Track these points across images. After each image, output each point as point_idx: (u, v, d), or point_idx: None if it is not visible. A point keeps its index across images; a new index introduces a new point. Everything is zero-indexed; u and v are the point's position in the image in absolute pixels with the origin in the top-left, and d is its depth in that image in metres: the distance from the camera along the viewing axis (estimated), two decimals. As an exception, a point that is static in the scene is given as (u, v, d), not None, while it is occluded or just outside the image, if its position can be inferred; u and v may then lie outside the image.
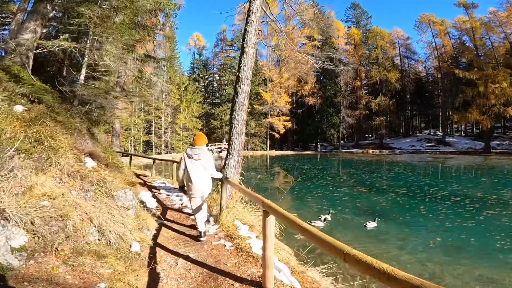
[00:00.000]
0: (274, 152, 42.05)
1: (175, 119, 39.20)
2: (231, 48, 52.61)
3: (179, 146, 37.94)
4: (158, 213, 5.48)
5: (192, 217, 5.24)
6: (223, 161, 6.14)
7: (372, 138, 54.33)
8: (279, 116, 43.43)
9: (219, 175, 4.46)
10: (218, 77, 55.75)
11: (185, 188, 4.15)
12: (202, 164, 3.98)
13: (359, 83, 46.77)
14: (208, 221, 4.82)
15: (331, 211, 7.72)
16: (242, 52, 6.20)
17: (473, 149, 38.98)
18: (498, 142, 39.17)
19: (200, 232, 4.11)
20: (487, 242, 5.48)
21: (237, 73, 6.21)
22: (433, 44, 47.80)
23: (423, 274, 4.33)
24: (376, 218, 7.06)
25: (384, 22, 73.50)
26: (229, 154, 5.87)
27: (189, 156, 3.97)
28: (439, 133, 49.31)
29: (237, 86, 6.12)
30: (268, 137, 44.02)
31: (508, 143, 39.16)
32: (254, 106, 42.49)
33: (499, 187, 12.34)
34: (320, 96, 44.88)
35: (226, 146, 6.92)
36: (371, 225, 6.86)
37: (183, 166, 4.02)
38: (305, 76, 39.49)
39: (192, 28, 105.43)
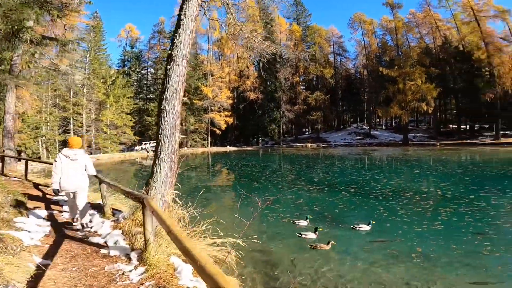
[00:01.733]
0: (215, 149, 40.35)
1: (100, 116, 34.22)
2: (168, 40, 48.64)
3: (106, 146, 33.27)
4: (46, 247, 3.63)
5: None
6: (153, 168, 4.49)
7: (309, 132, 56.86)
8: (220, 111, 41.80)
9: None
10: (153, 71, 51.46)
11: (60, 188, 4.31)
12: (80, 164, 4.34)
13: (298, 78, 48.16)
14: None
15: (308, 217, 6.94)
16: (178, 26, 4.63)
17: (394, 141, 43.71)
18: (413, 135, 44.72)
19: (82, 224, 4.55)
20: (470, 249, 5.06)
21: (170, 51, 4.62)
22: (362, 42, 51.99)
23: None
24: (370, 221, 6.43)
25: (322, 19, 77.31)
26: (158, 158, 4.27)
27: (66, 156, 4.29)
28: (365, 127, 54.25)
29: (168, 67, 4.52)
30: (209, 133, 42.07)
31: (421, 135, 45.05)
32: (194, 101, 40.00)
33: (437, 180, 13.17)
34: (261, 91, 44.80)
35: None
36: (364, 228, 6.28)
37: (59, 165, 4.26)
38: (256, 54, 38.72)
39: (126, 19, 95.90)
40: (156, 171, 4.27)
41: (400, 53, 44.37)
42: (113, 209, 5.72)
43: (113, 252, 3.61)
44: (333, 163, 21.65)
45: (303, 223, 6.80)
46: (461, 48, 41.42)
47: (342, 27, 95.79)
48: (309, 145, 43.48)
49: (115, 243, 3.84)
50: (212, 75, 43.74)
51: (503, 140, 35.34)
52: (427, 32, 46.83)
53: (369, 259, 4.86)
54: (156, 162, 4.29)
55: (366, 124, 56.19)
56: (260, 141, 47.45)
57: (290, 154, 31.66)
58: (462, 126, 43.69)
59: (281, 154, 31.27)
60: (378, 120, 60.53)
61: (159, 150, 4.26)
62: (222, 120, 41.12)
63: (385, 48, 47.58)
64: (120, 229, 4.34)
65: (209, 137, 42.16)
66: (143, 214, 3.31)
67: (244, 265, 4.51)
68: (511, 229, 5.99)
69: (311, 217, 6.96)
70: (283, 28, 47.78)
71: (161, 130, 4.27)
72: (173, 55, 4.53)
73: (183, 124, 39.51)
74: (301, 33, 49.18)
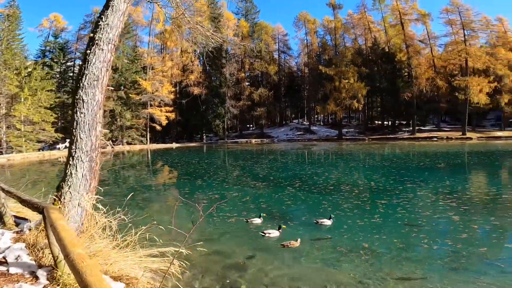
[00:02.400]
0: (155, 146, 37.82)
1: (13, 111, 28.89)
2: (102, 30, 43.55)
3: (19, 144, 28.26)
4: None
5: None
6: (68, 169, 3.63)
7: (253, 128, 57.58)
8: (161, 106, 39.24)
9: None
10: (81, 63, 45.41)
11: None
12: None
13: (243, 74, 48.17)
14: None
15: (262, 214, 6.69)
16: (107, 7, 3.85)
17: (330, 136, 47.07)
18: (346, 130, 48.77)
19: None
20: (410, 242, 5.30)
21: (92, 34, 3.83)
22: (305, 41, 54.40)
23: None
24: (331, 215, 6.42)
25: (269, 17, 78.53)
26: (73, 158, 3.45)
27: None
28: (306, 123, 57.29)
29: (89, 52, 3.73)
30: (148, 129, 39.21)
31: (353, 130, 49.41)
32: (130, 95, 36.70)
33: (369, 172, 14.35)
34: (206, 86, 43.58)
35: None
36: (325, 222, 6.20)
37: None
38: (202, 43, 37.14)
39: (53, 9, 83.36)
40: (71, 173, 3.46)
41: (337, 52, 47.63)
42: (16, 217, 4.60)
43: (14, 270, 2.81)
44: (277, 158, 22.11)
45: (256, 221, 6.54)
46: (387, 50, 46.49)
47: (287, 26, 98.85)
48: (253, 140, 43.95)
49: (16, 258, 3.02)
50: (153, 69, 40.92)
51: (418, 135, 40.94)
52: (361, 34, 51.33)
53: (320, 257, 4.81)
54: (71, 162, 3.47)
55: (306, 120, 59.34)
56: (204, 137, 46.23)
57: (235, 150, 31.46)
58: (385, 122, 49.35)
59: (225, 150, 30.85)
60: (317, 116, 64.45)
61: (73, 147, 3.45)
62: (163, 115, 38.68)
63: (324, 47, 50.65)
64: (23, 241, 3.44)
65: (148, 134, 39.29)
66: (45, 227, 2.58)
67: (193, 275, 4.04)
68: (440, 219, 6.57)
69: (264, 215, 6.75)
70: (231, 23, 47.17)
71: (76, 123, 3.46)
72: (96, 38, 3.75)
73: (118, 119, 36.06)
74: (249, 30, 49.26)
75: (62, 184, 3.52)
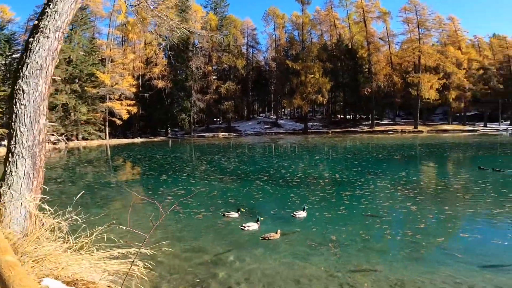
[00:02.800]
0: (116, 141, 35.65)
1: None
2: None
3: (-47, 141, 24.91)
4: None
5: None
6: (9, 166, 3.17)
7: (220, 122, 56.97)
8: (122, 100, 36.94)
9: None
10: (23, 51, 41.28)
11: None
12: None
13: (210, 68, 47.22)
14: None
15: (240, 209, 6.64)
16: None
17: (296, 129, 48.22)
18: (311, 124, 50.28)
19: None
20: (374, 233, 5.50)
21: (36, 22, 3.40)
22: (274, 36, 54.76)
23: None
24: (304, 206, 6.60)
25: (239, 11, 77.37)
26: (12, 154, 3.03)
27: None
28: (273, 117, 57.99)
29: (32, 40, 3.32)
30: (107, 124, 36.80)
31: (317, 124, 51.09)
32: (86, 88, 34.01)
33: (333, 164, 14.91)
34: (171, 79, 42.00)
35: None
36: (301, 215, 6.30)
37: None
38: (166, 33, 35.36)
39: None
40: (11, 171, 3.04)
41: (304, 48, 48.53)
42: None
43: None
44: (245, 152, 22.07)
45: (234, 215, 6.50)
46: (350, 46, 48.42)
47: (257, 20, 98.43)
48: (220, 134, 43.46)
49: None
50: (112, 61, 38.28)
51: (376, 128, 43.53)
52: (327, 30, 52.80)
53: (291, 250, 4.82)
54: (10, 159, 3.04)
55: (273, 114, 60.04)
56: (170, 131, 44.66)
57: (202, 144, 30.85)
58: (347, 116, 51.75)
59: (192, 145, 30.10)
60: (283, 110, 65.51)
61: (13, 142, 3.02)
62: (123, 109, 36.47)
63: (292, 43, 51.46)
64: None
65: (107, 128, 36.88)
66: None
67: (160, 275, 3.86)
68: (399, 210, 6.96)
69: (243, 210, 6.68)
70: (199, 16, 45.73)
71: (16, 116, 3.03)
72: (42, 26, 3.34)
73: (72, 114, 33.32)
74: (217, 23, 48.21)
75: (1, 183, 3.09)
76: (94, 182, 11.65)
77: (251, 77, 55.48)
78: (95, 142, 33.74)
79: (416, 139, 29.57)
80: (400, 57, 48.38)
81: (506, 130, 43.78)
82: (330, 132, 43.27)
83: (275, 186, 9.81)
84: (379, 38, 48.51)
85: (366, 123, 47.44)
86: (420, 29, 44.68)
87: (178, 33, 5.70)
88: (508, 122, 50.30)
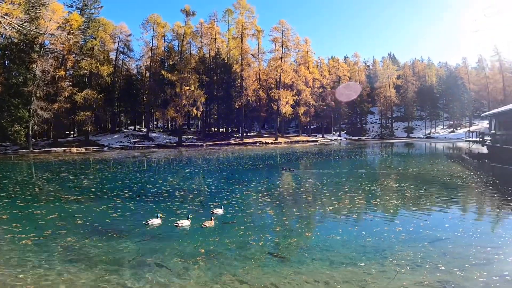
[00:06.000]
0: None
1: None
2: None
3: None
4: None
5: None
6: None
7: (75, 135, 47.96)
8: None
9: None
10: None
11: None
12: None
13: (63, 73, 39.05)
14: None
15: (159, 215, 6.79)
16: None
17: (170, 143, 46.44)
18: (186, 137, 49.71)
19: None
20: (243, 240, 5.62)
21: None
22: (151, 44, 51.22)
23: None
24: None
25: (116, 15, 67.13)
26: None
27: None
28: (143, 129, 53.76)
29: None
30: None
31: (192, 137, 50.96)
32: None
33: (204, 176, 14.97)
34: (1, 83, 31.97)
35: None
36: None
37: None
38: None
39: None
40: None
41: (182, 58, 47.71)
42: None
43: None
44: (104, 168, 19.21)
45: (156, 221, 6.63)
46: (226, 61, 51.24)
47: (134, 26, 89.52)
48: (74, 149, 36.31)
49: None
50: None
51: (246, 140, 47.65)
52: (207, 43, 54.08)
53: (166, 265, 4.35)
54: None
55: (144, 127, 55.61)
56: (-5, 146, 33.59)
57: (45, 160, 24.70)
58: (221, 129, 54.34)
59: (30, 162, 23.56)
60: (156, 122, 61.79)
61: None
62: None
63: (170, 52, 49.81)
64: None
65: None
66: None
67: None
68: (262, 215, 7.50)
69: (162, 215, 6.88)
70: (57, 15, 36.90)
71: None
72: None
73: None
74: (81, 24, 40.35)
75: None
76: None
77: (119, 85, 50.04)
78: None
79: (276, 150, 34.14)
80: (266, 74, 55.44)
81: (336, 140, 57.44)
82: (205, 144, 44.03)
83: (138, 202, 8.94)
84: (252, 55, 53.82)
85: (237, 135, 51.17)
86: (283, 48, 51.72)
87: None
88: (337, 133, 66.30)
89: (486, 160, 19.46)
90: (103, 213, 7.71)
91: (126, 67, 54.32)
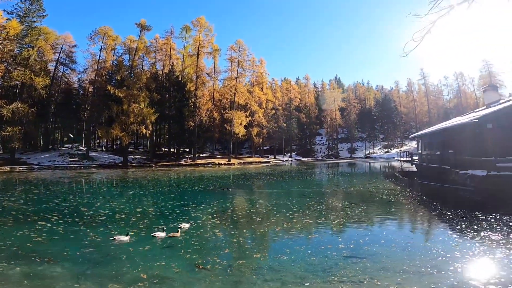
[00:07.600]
0: None
1: None
2: None
3: None
4: None
5: None
6: None
7: (0, 152, 41.65)
8: None
9: None
10: None
11: None
12: None
13: (-12, 83, 34.20)
14: None
15: (129, 232, 6.96)
16: None
17: (114, 163, 43.03)
18: (133, 157, 46.62)
19: None
20: (190, 263, 5.23)
21: None
22: (97, 57, 47.64)
23: None
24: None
25: (63, 24, 61.27)
26: None
27: None
28: (83, 148, 49.14)
29: None
30: None
31: (139, 157, 47.96)
32: None
33: (150, 199, 14.00)
34: None
35: None
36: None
37: None
38: None
39: None
40: None
41: (132, 74, 45.23)
42: None
43: None
44: (30, 189, 16.87)
45: (124, 238, 6.68)
46: (180, 78, 49.80)
47: (80, 37, 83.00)
48: (-5, 170, 31.34)
49: None
50: None
51: (198, 161, 46.45)
52: (161, 59, 52.07)
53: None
54: None
55: (84, 145, 50.82)
56: None
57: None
58: (172, 149, 52.20)
59: None
60: (98, 141, 57.05)
61: None
62: None
63: (119, 67, 46.29)
64: None
65: None
66: None
67: None
68: (210, 237, 7.27)
69: (132, 232, 7.05)
70: None
71: None
72: None
73: None
74: (20, 32, 36.16)
75: None
76: None
77: (56, 99, 45.49)
78: None
79: (229, 171, 33.86)
80: (221, 94, 55.26)
81: (287, 160, 59.38)
82: (154, 165, 41.71)
83: (69, 226, 8.07)
84: (207, 73, 53.28)
85: (189, 156, 49.64)
86: (239, 69, 52.33)
87: None
88: (289, 154, 68.69)
89: (415, 178, 21.78)
90: (25, 237, 6.86)
91: (66, 79, 49.83)
